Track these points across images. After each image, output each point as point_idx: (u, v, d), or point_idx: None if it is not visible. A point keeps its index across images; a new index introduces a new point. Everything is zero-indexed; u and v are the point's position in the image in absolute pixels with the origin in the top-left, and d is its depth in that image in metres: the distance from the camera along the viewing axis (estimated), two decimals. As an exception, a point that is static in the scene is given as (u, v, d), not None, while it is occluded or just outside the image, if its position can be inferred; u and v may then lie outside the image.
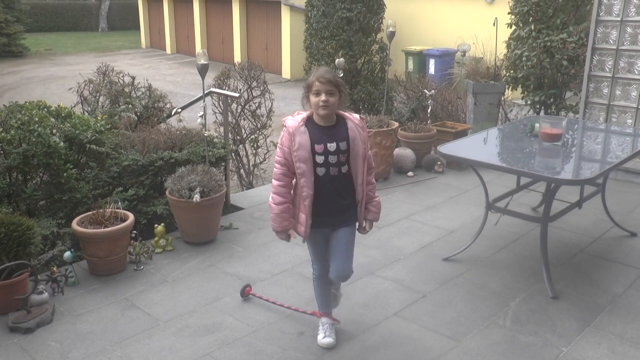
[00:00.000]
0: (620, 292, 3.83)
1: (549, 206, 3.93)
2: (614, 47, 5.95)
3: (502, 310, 3.63)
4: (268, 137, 6.69)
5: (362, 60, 7.73)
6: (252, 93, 6.51)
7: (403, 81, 8.05)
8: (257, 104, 6.57)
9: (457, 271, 4.13)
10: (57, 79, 15.60)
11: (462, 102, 7.69)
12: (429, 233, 4.80)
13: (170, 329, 3.44)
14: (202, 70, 4.62)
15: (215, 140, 5.31)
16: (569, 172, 3.91)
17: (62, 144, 4.21)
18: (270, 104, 6.61)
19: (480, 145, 4.45)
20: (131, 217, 4.17)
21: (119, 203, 4.32)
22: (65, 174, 4.25)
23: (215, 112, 6.39)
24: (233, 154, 6.36)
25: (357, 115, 3.01)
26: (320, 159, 2.89)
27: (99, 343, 3.29)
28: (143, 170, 4.75)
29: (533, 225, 4.76)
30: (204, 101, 4.98)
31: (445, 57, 12.77)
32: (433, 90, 7.22)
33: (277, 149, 2.99)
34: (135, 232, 4.28)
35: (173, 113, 6.02)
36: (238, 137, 6.55)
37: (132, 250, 4.21)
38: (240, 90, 6.40)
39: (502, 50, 7.26)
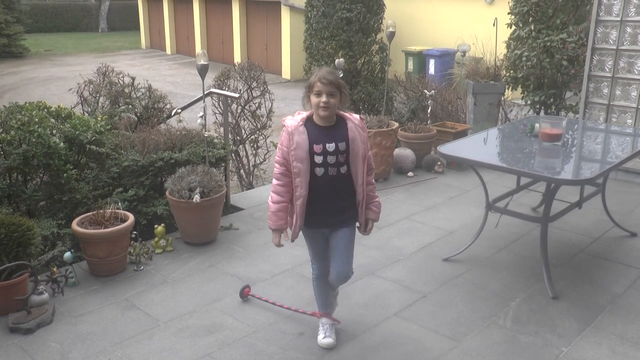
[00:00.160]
0: (620, 292, 3.83)
1: (549, 206, 3.93)
2: (614, 47, 5.95)
3: (502, 310, 3.63)
4: (268, 137, 6.69)
5: (362, 61, 7.73)
6: (252, 93, 6.51)
7: (403, 81, 8.05)
8: (257, 105, 6.57)
9: (457, 271, 4.13)
10: (57, 79, 15.60)
11: (462, 103, 7.69)
12: (429, 233, 4.80)
13: (170, 329, 3.44)
14: (202, 71, 4.62)
15: (215, 140, 5.31)
16: (569, 172, 3.91)
17: (62, 144, 4.21)
18: (270, 104, 6.61)
19: (480, 146, 4.45)
20: (131, 217, 4.17)
21: (119, 204, 4.32)
22: (65, 175, 4.25)
23: (215, 113, 6.39)
24: (233, 155, 6.36)
25: (357, 116, 3.01)
26: (318, 159, 2.90)
27: (99, 343, 3.29)
28: (143, 170, 4.75)
29: (533, 225, 4.76)
30: (204, 102, 4.98)
31: (445, 58, 12.77)
32: (433, 91, 7.23)
33: (277, 149, 3.00)
34: (135, 232, 4.28)
35: (173, 114, 6.01)
36: (238, 138, 6.55)
37: (132, 250, 4.21)
38: (240, 90, 6.40)
39: (502, 50, 7.26)
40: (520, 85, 7.11)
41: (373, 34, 7.71)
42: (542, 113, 7.08)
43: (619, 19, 5.87)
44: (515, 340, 3.31)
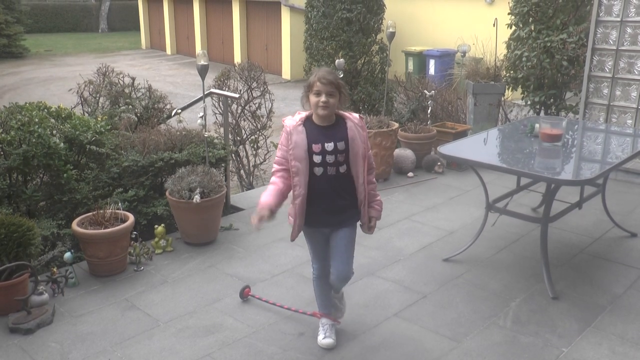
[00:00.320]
0: (620, 293, 3.82)
1: (549, 207, 3.93)
2: (614, 48, 5.95)
3: (502, 310, 3.63)
4: (268, 137, 6.69)
5: (362, 61, 7.74)
6: (252, 94, 6.51)
7: (403, 82, 8.05)
8: (257, 105, 6.58)
9: (458, 272, 4.13)
10: (57, 79, 15.60)
11: (462, 103, 7.69)
12: (429, 234, 4.80)
13: (170, 329, 3.44)
14: (202, 71, 4.63)
15: (215, 141, 5.31)
16: (569, 172, 3.91)
17: (62, 144, 4.21)
18: (270, 104, 6.62)
19: (480, 146, 4.45)
20: (131, 217, 4.17)
21: (119, 204, 4.32)
22: (65, 175, 4.25)
23: (215, 113, 6.39)
24: (233, 155, 6.36)
25: (356, 115, 3.01)
26: (317, 158, 2.90)
27: (99, 344, 3.29)
28: (143, 171, 4.75)
29: (533, 225, 4.75)
30: (204, 102, 4.98)
31: (445, 58, 12.77)
32: (433, 91, 7.23)
33: (277, 149, 3.00)
34: (135, 232, 4.28)
35: (173, 114, 6.02)
36: (238, 138, 6.56)
37: (132, 251, 4.21)
38: (240, 91, 6.40)
39: (502, 50, 7.26)
40: (520, 86, 7.11)
41: (373, 35, 7.71)
42: (542, 113, 7.08)
43: (619, 19, 5.87)
44: (516, 340, 3.31)
